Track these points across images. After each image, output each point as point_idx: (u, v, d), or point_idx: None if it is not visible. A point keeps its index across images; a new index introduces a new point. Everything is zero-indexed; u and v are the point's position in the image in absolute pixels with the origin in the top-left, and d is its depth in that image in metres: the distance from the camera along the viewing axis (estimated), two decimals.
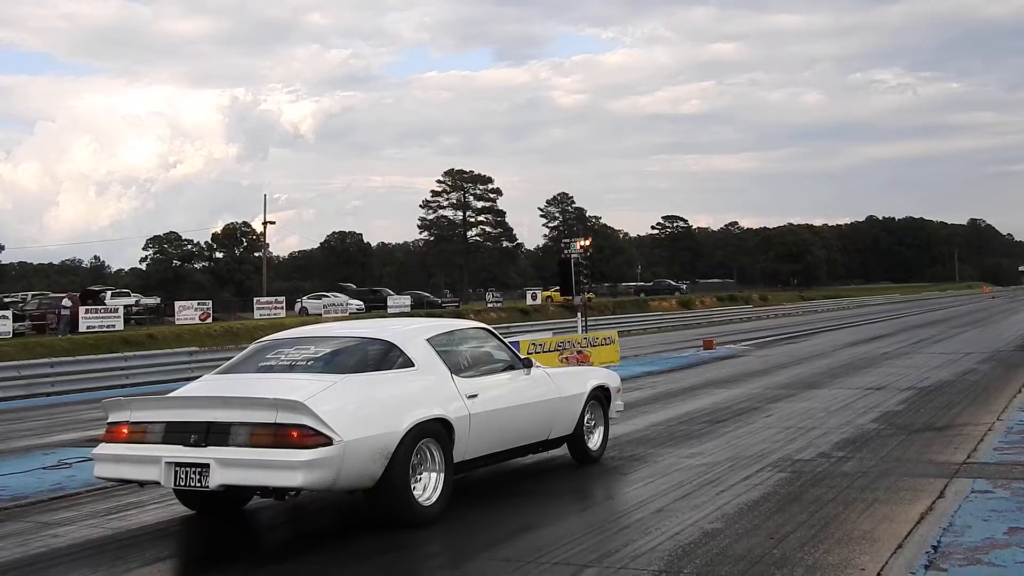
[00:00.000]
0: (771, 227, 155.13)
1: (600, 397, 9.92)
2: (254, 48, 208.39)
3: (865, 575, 5.68)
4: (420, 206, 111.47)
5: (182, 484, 6.83)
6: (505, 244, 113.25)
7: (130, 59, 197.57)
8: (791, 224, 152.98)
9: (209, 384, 7.83)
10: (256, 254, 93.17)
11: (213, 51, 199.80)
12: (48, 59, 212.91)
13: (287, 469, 6.48)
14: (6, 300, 49.72)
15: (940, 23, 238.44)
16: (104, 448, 7.29)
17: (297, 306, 59.37)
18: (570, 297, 27.14)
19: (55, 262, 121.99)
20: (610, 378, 10.34)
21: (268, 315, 51.45)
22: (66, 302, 40.78)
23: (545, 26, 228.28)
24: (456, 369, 8.02)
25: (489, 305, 63.91)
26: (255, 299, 57.08)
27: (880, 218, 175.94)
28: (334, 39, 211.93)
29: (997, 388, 15.48)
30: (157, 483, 6.98)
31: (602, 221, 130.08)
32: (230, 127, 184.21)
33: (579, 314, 28.35)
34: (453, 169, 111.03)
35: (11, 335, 36.75)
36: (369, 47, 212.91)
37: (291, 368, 7.59)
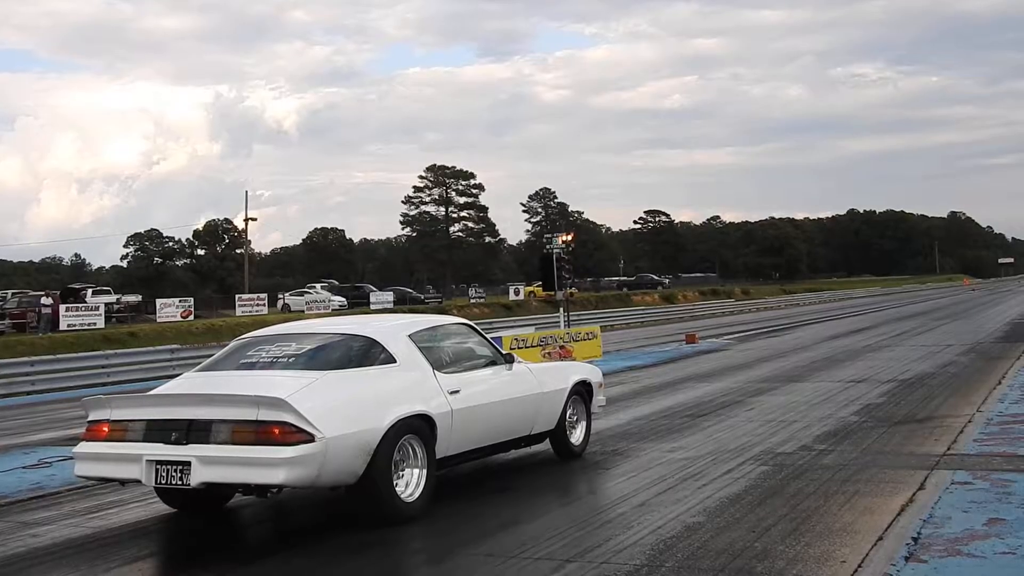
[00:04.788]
0: (753, 221, 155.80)
1: (582, 392, 9.92)
2: (237, 45, 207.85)
3: (846, 567, 5.70)
4: (402, 202, 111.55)
5: (163, 482, 6.79)
6: (488, 239, 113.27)
7: (113, 56, 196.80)
8: (773, 218, 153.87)
9: (190, 381, 7.80)
10: (238, 251, 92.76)
11: (196, 48, 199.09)
12: (30, 56, 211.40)
13: (269, 466, 6.46)
14: None
15: (920, 17, 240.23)
16: (85, 447, 7.25)
17: (279, 303, 59.20)
18: (553, 292, 27.07)
19: (35, 260, 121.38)
20: (592, 373, 10.35)
21: (250, 312, 51.26)
22: (46, 300, 40.50)
23: (528, 22, 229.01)
24: (438, 365, 8.01)
25: (472, 301, 63.85)
26: (237, 296, 56.87)
27: (861, 211, 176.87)
28: (317, 36, 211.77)
29: (977, 380, 15.58)
30: (138, 481, 6.94)
31: (584, 216, 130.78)
32: (213, 124, 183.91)
33: (561, 309, 28.34)
34: (435, 165, 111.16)
35: None
36: (352, 43, 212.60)
37: (272, 365, 7.55)
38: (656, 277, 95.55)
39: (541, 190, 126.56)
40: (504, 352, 9.21)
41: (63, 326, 38.88)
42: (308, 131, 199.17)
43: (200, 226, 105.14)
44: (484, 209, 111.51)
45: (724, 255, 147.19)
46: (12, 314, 42.90)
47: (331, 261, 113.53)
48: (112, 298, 52.50)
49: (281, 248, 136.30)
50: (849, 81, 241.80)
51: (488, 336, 9.44)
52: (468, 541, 6.78)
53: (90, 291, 53.05)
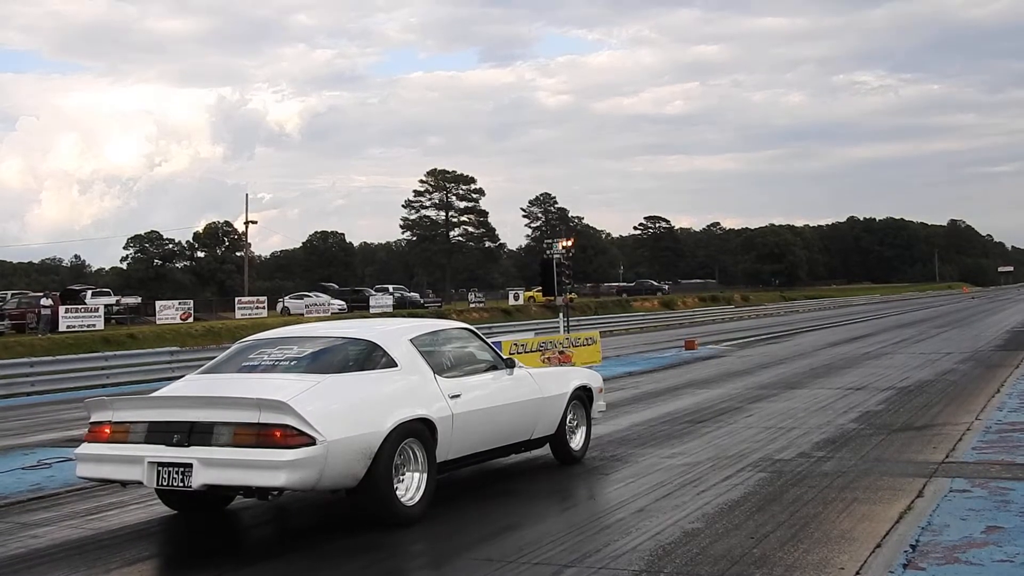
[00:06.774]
0: (753, 227, 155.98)
1: (582, 397, 9.95)
2: (240, 47, 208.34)
3: (844, 574, 5.72)
4: (403, 206, 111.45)
5: (165, 484, 6.81)
6: (488, 244, 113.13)
7: (116, 58, 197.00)
8: (773, 224, 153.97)
9: (192, 384, 7.82)
10: (238, 254, 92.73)
11: (200, 50, 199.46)
12: (34, 57, 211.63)
13: (270, 469, 6.48)
14: None
15: (922, 25, 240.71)
16: (86, 448, 7.27)
17: (279, 306, 59.20)
18: (552, 297, 27.09)
19: (35, 261, 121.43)
20: (592, 378, 10.37)
21: (250, 315, 51.26)
22: (46, 301, 40.50)
23: (531, 27, 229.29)
24: (439, 369, 8.03)
25: (471, 305, 63.89)
26: (237, 299, 56.87)
27: (861, 218, 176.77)
28: (320, 39, 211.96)
29: (976, 388, 15.59)
30: (140, 483, 6.96)
31: (584, 221, 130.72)
32: (216, 126, 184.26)
33: (561, 314, 28.35)
34: (436, 169, 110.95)
35: None
36: (355, 47, 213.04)
37: (274, 368, 7.58)
38: (656, 283, 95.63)
39: (541, 195, 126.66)
40: (505, 357, 9.23)
41: (63, 327, 38.88)
42: (310, 134, 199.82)
43: (200, 228, 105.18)
44: (484, 214, 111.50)
45: (724, 261, 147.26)
46: (12, 315, 42.84)
47: (331, 264, 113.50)
48: (112, 299, 52.45)
49: (281, 251, 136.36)
50: (850, 88, 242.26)
51: (488, 341, 9.46)
52: (468, 545, 6.80)
53: (90, 292, 52.97)
